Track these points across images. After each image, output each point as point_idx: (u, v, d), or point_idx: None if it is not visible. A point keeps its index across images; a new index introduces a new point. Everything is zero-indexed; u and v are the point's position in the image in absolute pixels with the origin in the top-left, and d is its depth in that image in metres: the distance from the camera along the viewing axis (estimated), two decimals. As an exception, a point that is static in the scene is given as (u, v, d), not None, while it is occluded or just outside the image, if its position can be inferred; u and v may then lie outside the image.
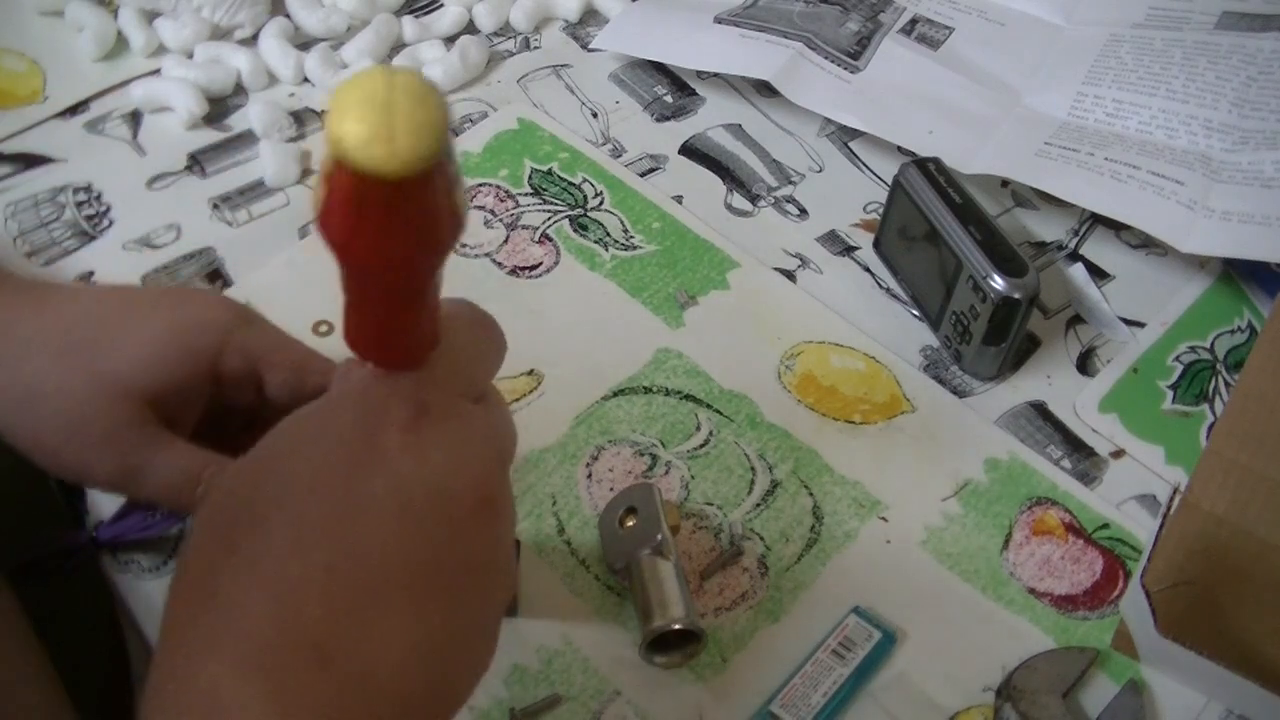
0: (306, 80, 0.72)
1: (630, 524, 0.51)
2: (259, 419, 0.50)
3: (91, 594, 0.54)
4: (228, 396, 0.48)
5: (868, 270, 0.65)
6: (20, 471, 0.58)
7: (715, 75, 0.75)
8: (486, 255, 0.64)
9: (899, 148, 0.69)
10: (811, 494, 0.55)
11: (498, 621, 0.37)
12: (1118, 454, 0.58)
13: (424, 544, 0.33)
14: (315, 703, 0.30)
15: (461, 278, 0.63)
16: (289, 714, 0.30)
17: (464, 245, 0.64)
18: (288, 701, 0.30)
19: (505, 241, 0.65)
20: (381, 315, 0.33)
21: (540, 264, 0.64)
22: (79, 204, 0.65)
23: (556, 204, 0.67)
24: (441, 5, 0.77)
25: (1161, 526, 0.48)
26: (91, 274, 0.62)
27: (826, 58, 0.72)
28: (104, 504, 0.52)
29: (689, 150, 0.71)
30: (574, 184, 0.68)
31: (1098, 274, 0.66)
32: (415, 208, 0.28)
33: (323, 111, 0.71)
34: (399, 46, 0.75)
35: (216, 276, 0.62)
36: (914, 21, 0.76)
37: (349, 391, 0.35)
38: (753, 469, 0.56)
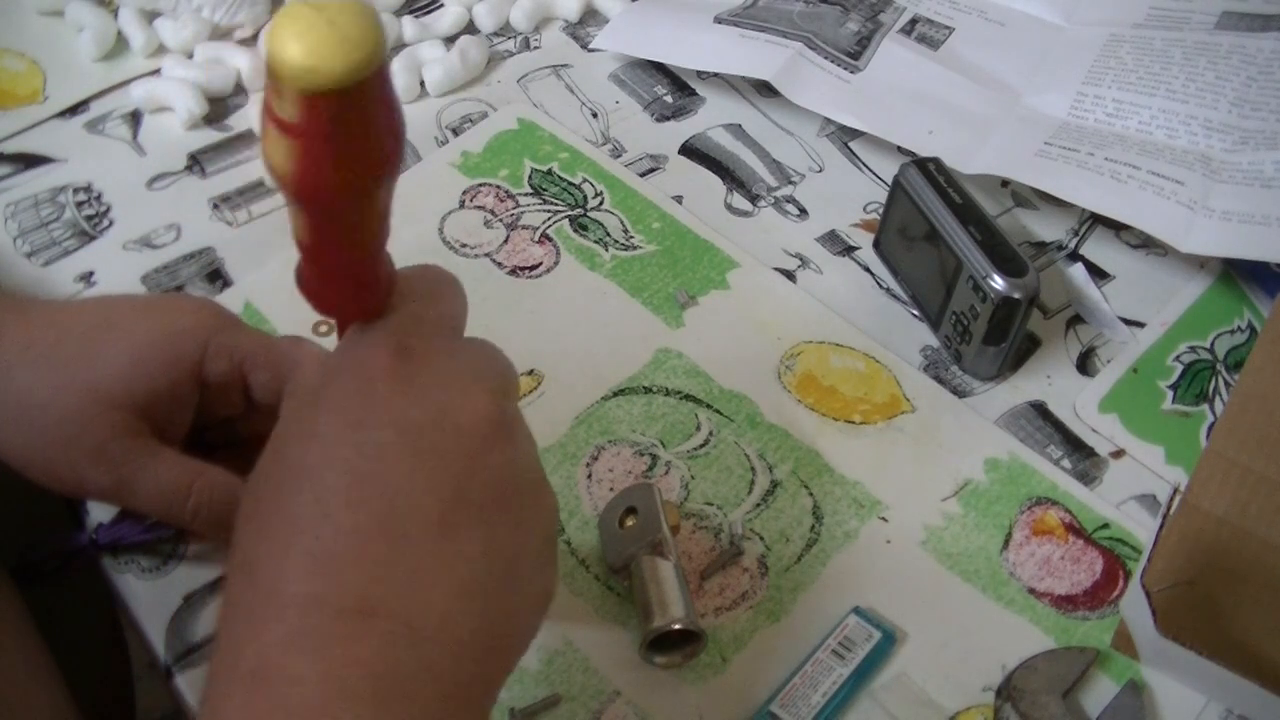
0: (306, 80, 0.72)
1: (630, 524, 0.51)
2: (250, 428, 0.50)
3: (92, 594, 0.54)
4: (215, 403, 0.48)
5: (868, 270, 0.65)
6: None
7: (715, 75, 0.75)
8: (486, 255, 0.64)
9: (899, 148, 0.69)
10: (811, 494, 0.55)
11: (548, 550, 0.36)
12: (1118, 454, 0.58)
13: (444, 480, 0.33)
14: (365, 660, 0.31)
15: (462, 278, 0.62)
16: (340, 676, 0.30)
17: (464, 245, 0.64)
18: (337, 664, 0.30)
19: (505, 241, 0.65)
20: (336, 254, 0.33)
21: (540, 264, 0.64)
22: (79, 204, 0.65)
23: (556, 204, 0.67)
24: (441, 5, 0.77)
25: (1161, 526, 0.48)
26: (91, 274, 0.62)
27: (826, 58, 0.72)
28: (103, 506, 0.52)
29: (689, 150, 0.71)
30: (574, 184, 0.68)
31: (1098, 274, 0.66)
32: (362, 117, 0.29)
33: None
34: (399, 46, 0.75)
35: (217, 276, 0.62)
36: (914, 21, 0.76)
37: (332, 362, 0.35)
38: (753, 469, 0.56)
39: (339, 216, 0.32)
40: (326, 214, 0.32)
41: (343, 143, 0.29)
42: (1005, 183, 0.70)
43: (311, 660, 0.30)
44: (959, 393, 0.60)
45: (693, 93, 0.74)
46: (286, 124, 0.28)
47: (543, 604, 0.36)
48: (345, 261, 0.34)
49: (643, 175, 0.69)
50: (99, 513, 0.52)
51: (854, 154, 0.71)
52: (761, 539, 0.53)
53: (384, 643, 0.31)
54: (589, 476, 0.55)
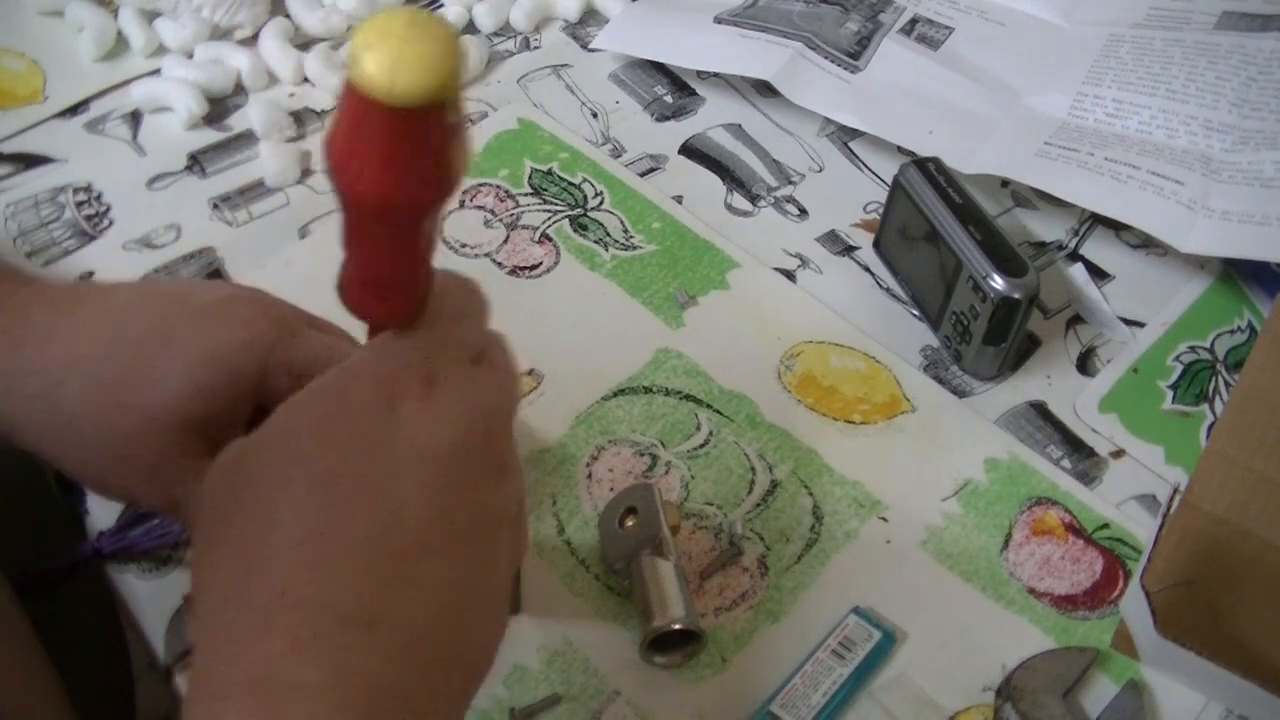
0: (306, 80, 0.72)
1: (630, 524, 0.51)
2: None
3: (92, 594, 0.54)
4: (271, 408, 0.47)
5: (868, 270, 0.65)
6: (21, 482, 0.58)
7: (715, 75, 0.75)
8: (486, 255, 0.64)
9: (899, 148, 0.69)
10: (811, 494, 0.55)
11: (509, 580, 0.38)
12: (1118, 454, 0.58)
13: (450, 506, 0.34)
14: (369, 669, 0.31)
15: (461, 278, 0.63)
16: (345, 684, 0.31)
17: (464, 245, 0.64)
18: (343, 672, 0.31)
19: (505, 241, 0.65)
20: (388, 268, 0.33)
21: (540, 264, 0.64)
22: (79, 204, 0.65)
23: (556, 204, 0.67)
24: (441, 5, 0.77)
25: (1161, 526, 0.48)
26: (91, 274, 0.62)
27: (826, 58, 0.72)
28: (103, 509, 0.52)
29: (689, 150, 0.71)
30: (574, 184, 0.68)
31: (1098, 274, 0.66)
32: (411, 142, 0.29)
33: (323, 111, 0.71)
34: (399, 46, 0.75)
35: (216, 276, 0.62)
36: (914, 21, 0.76)
37: (360, 369, 0.35)
38: (753, 469, 0.56)
39: (401, 232, 0.32)
40: (391, 228, 0.32)
41: (393, 155, 0.29)
42: (1005, 183, 0.70)
43: (321, 673, 0.31)
44: (959, 393, 0.60)
45: (693, 93, 0.74)
46: (346, 116, 0.29)
47: (502, 633, 0.38)
48: (395, 274, 0.34)
49: (643, 175, 0.69)
50: (101, 519, 0.52)
51: (854, 154, 0.71)
52: (761, 539, 0.53)
53: (387, 655, 0.32)
54: (589, 476, 0.55)
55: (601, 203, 0.67)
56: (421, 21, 0.28)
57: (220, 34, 0.73)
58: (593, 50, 0.76)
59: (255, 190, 0.66)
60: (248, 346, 0.44)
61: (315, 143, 0.69)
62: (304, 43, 0.74)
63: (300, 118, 0.70)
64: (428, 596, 0.33)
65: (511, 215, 0.66)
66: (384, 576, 0.32)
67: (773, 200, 0.68)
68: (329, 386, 0.35)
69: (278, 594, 0.31)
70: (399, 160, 0.29)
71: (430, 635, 0.33)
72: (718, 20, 0.75)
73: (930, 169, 0.61)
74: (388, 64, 0.27)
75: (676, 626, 0.47)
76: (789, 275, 0.64)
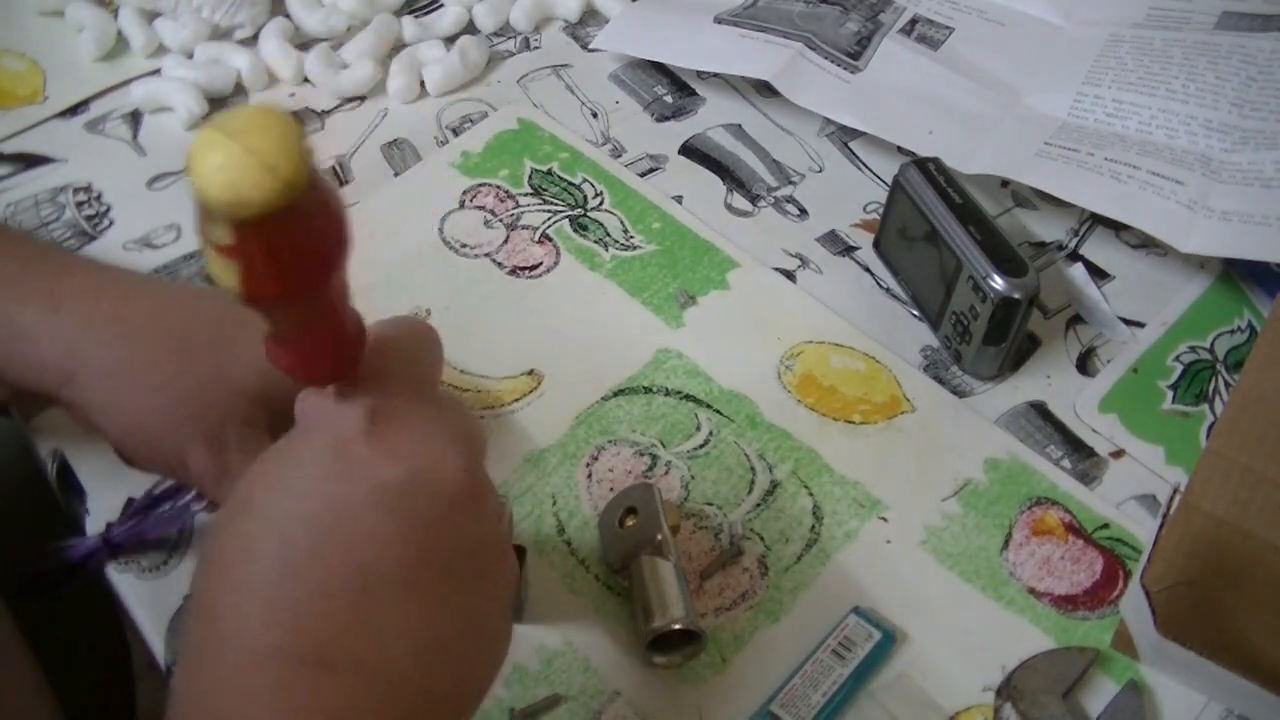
0: (306, 80, 0.72)
1: (630, 524, 0.51)
2: None
3: (92, 595, 0.54)
4: None
5: (868, 270, 0.65)
6: (20, 484, 0.58)
7: (715, 75, 0.75)
8: (486, 255, 0.64)
9: (899, 148, 0.69)
10: (811, 494, 0.55)
11: (505, 613, 0.37)
12: (1118, 454, 0.58)
13: (411, 541, 0.33)
14: (323, 711, 0.31)
15: (461, 278, 0.63)
16: None
17: (464, 245, 0.64)
18: (295, 714, 0.31)
19: (505, 241, 0.65)
20: (300, 339, 0.33)
21: (540, 264, 0.64)
22: (79, 204, 0.65)
23: (556, 204, 0.67)
24: (441, 5, 0.77)
25: (1161, 526, 0.48)
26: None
27: (826, 58, 0.72)
28: (103, 509, 0.52)
29: (689, 150, 0.71)
30: (574, 184, 0.68)
31: (1098, 274, 0.66)
32: (299, 230, 0.29)
33: (324, 111, 0.71)
34: (399, 46, 0.75)
35: (216, 276, 0.62)
36: (914, 21, 0.76)
37: (308, 420, 0.35)
38: (753, 469, 0.56)
39: (295, 307, 0.31)
40: (281, 309, 0.31)
41: (282, 257, 0.29)
42: (1005, 183, 0.70)
43: (269, 709, 0.31)
44: (959, 393, 0.60)
45: (693, 93, 0.74)
46: (222, 247, 0.28)
47: (497, 666, 0.37)
48: (310, 342, 0.34)
49: (643, 175, 0.69)
50: (101, 519, 0.52)
51: (854, 154, 0.71)
52: (761, 539, 0.53)
53: (346, 697, 0.32)
54: (589, 476, 0.55)
55: (601, 203, 0.67)
56: (251, 121, 0.27)
57: (220, 34, 0.73)
58: (593, 50, 0.76)
59: (255, 190, 0.66)
60: None
61: (315, 142, 0.69)
62: (304, 43, 0.74)
63: (300, 118, 0.70)
64: (392, 637, 0.32)
65: (511, 215, 0.66)
66: (339, 620, 0.32)
67: (773, 200, 0.68)
68: (281, 446, 0.35)
69: (230, 640, 0.32)
70: (272, 262, 0.29)
71: (399, 677, 0.32)
72: (718, 20, 0.75)
73: (930, 169, 0.61)
74: (225, 181, 0.26)
75: (676, 626, 0.47)
76: (789, 275, 0.64)
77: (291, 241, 0.29)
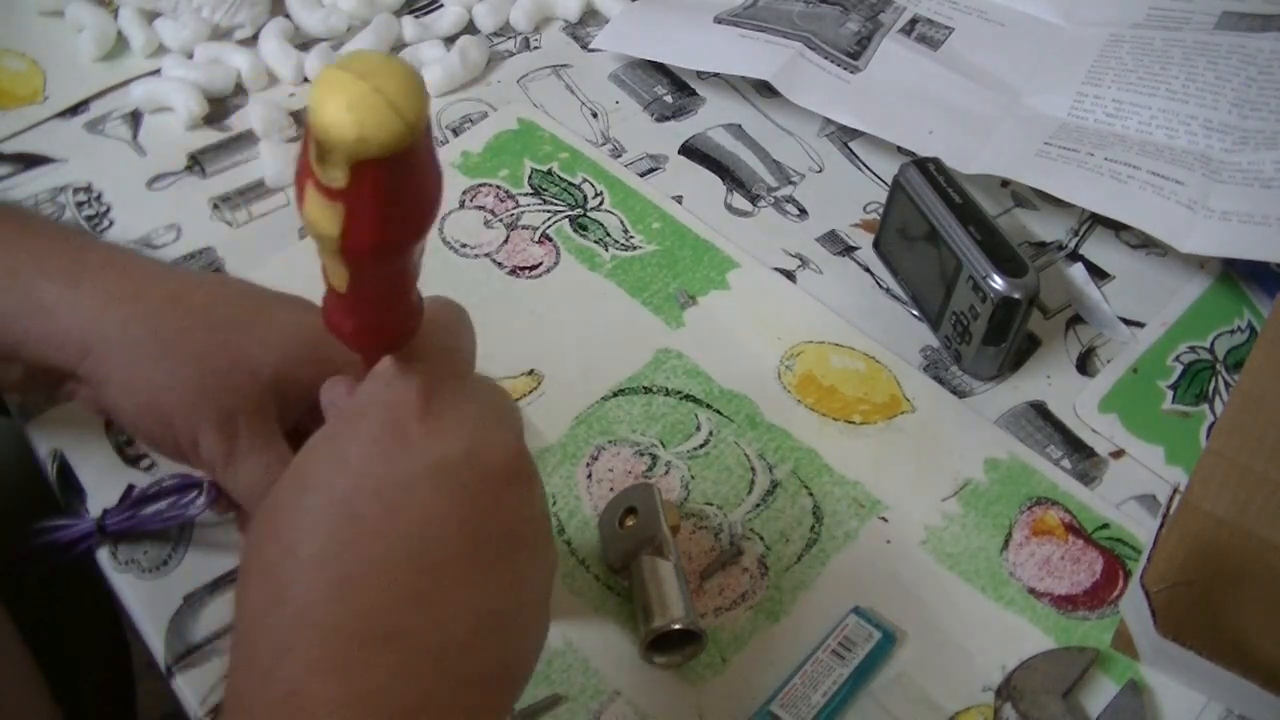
0: (306, 80, 0.72)
1: (630, 524, 0.51)
2: None
3: (92, 594, 0.54)
4: None
5: (868, 270, 0.65)
6: (19, 480, 0.58)
7: (715, 75, 0.75)
8: (486, 255, 0.64)
9: (899, 148, 0.69)
10: (811, 494, 0.55)
11: (548, 590, 0.38)
12: (1118, 454, 0.58)
13: (470, 517, 0.34)
14: (390, 685, 0.32)
15: (462, 278, 0.63)
16: (366, 700, 0.31)
17: (464, 245, 0.64)
18: (363, 689, 0.31)
19: (505, 241, 0.65)
20: (373, 303, 0.33)
21: (540, 264, 0.64)
22: (79, 204, 0.65)
23: (556, 204, 0.67)
24: (441, 5, 0.77)
25: (1161, 526, 0.48)
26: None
27: (826, 58, 0.72)
28: (103, 507, 0.52)
29: (689, 150, 0.71)
30: (574, 184, 0.68)
31: (1098, 274, 0.66)
32: (409, 181, 0.29)
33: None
34: (399, 46, 0.75)
35: (216, 276, 0.62)
36: (914, 21, 0.76)
37: (367, 401, 0.35)
38: (752, 469, 0.56)
39: (380, 272, 0.32)
40: (369, 270, 0.32)
41: (390, 206, 0.29)
42: (1005, 183, 0.70)
43: (342, 689, 0.31)
44: (959, 393, 0.60)
45: (693, 93, 0.74)
46: (333, 190, 0.28)
47: (542, 642, 0.38)
48: (380, 309, 0.34)
49: (643, 175, 0.69)
50: (100, 499, 0.52)
51: (854, 154, 0.71)
52: (761, 539, 0.53)
53: (409, 671, 0.32)
54: (589, 476, 0.55)
55: (601, 203, 0.67)
56: (376, 64, 0.27)
57: (220, 34, 0.73)
58: (593, 50, 0.76)
59: (255, 190, 0.66)
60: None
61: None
62: (304, 43, 0.74)
63: (300, 118, 0.70)
64: (453, 611, 0.33)
65: (511, 215, 0.66)
66: (402, 593, 0.33)
67: (773, 200, 0.68)
68: (341, 421, 0.35)
69: (297, 616, 0.32)
70: (416, 194, 0.29)
71: (457, 650, 0.33)
72: (718, 20, 0.75)
73: (930, 169, 0.61)
74: (355, 119, 0.27)
75: (676, 626, 0.47)
76: (789, 275, 0.64)
77: (403, 187, 0.29)
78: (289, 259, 0.62)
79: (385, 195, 0.29)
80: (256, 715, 0.32)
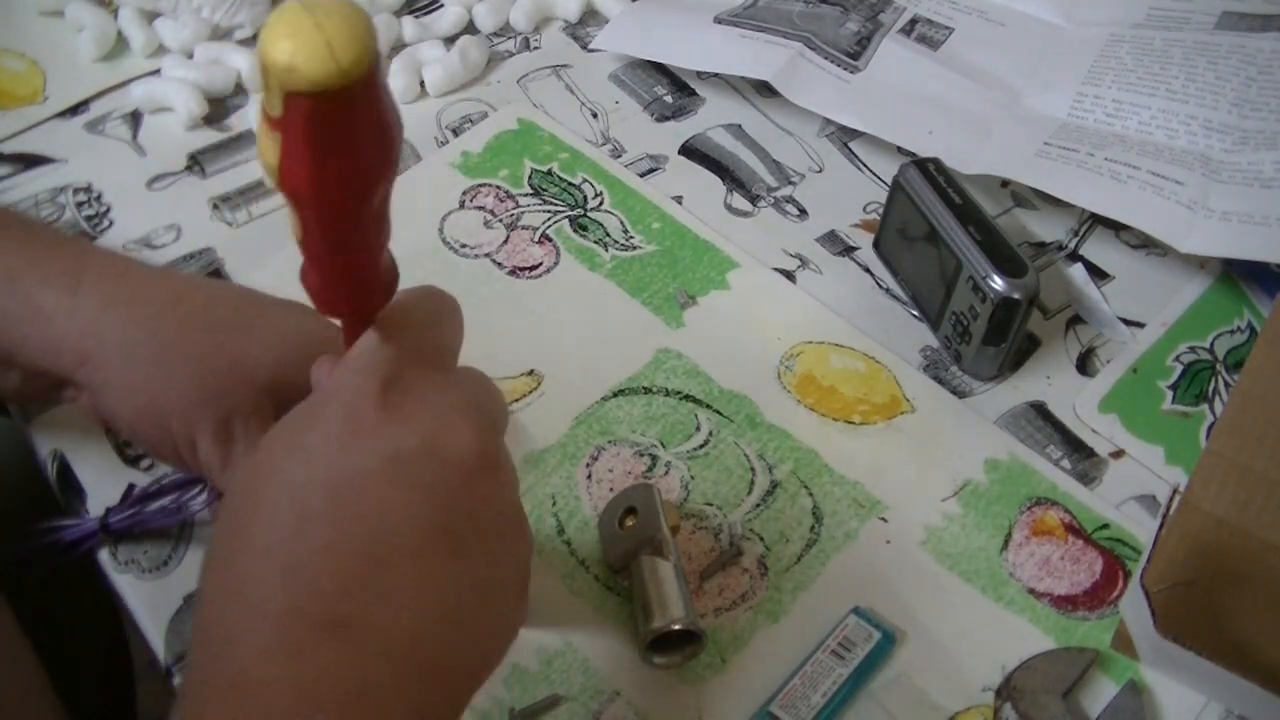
0: (306, 80, 0.72)
1: (630, 524, 0.51)
2: None
3: (92, 594, 0.54)
4: None
5: (868, 270, 0.65)
6: (19, 480, 0.58)
7: (715, 75, 0.75)
8: (486, 255, 0.64)
9: (899, 148, 0.69)
10: (811, 494, 0.55)
11: (521, 583, 0.37)
12: (1117, 454, 0.58)
13: (423, 510, 0.34)
14: (338, 671, 0.32)
15: (462, 277, 0.63)
16: (314, 686, 0.31)
17: (464, 245, 0.64)
18: (311, 674, 0.31)
19: (505, 241, 0.65)
20: (330, 254, 0.34)
21: (540, 264, 0.64)
22: (79, 204, 0.65)
23: (556, 204, 0.67)
24: (441, 5, 0.77)
25: (1161, 526, 0.48)
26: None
27: (826, 58, 0.72)
28: (103, 507, 0.52)
29: (689, 150, 0.71)
30: (574, 184, 0.68)
31: (1098, 274, 0.66)
32: (344, 120, 0.29)
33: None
34: (399, 46, 0.75)
35: (216, 277, 0.62)
36: (914, 21, 0.76)
37: (328, 387, 0.36)
38: (752, 469, 0.56)
39: (327, 216, 0.32)
40: (314, 212, 0.32)
41: (324, 143, 0.29)
42: (1005, 183, 0.70)
43: (289, 674, 0.31)
44: (959, 393, 0.60)
45: (693, 93, 0.74)
46: (272, 119, 0.29)
47: (511, 635, 0.37)
48: (341, 262, 0.34)
49: (643, 175, 0.69)
50: (100, 499, 0.52)
51: (854, 154, 0.71)
52: (761, 539, 0.53)
53: (356, 656, 0.32)
54: (589, 476, 0.55)
55: (601, 203, 0.67)
56: (321, 5, 0.28)
57: (220, 34, 0.73)
58: (593, 50, 0.76)
59: (255, 190, 0.66)
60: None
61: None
62: (304, 43, 0.74)
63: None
64: (404, 601, 0.33)
65: (511, 215, 0.66)
66: (350, 583, 0.33)
67: (773, 200, 0.68)
68: (297, 413, 0.35)
69: (248, 602, 0.32)
70: (360, 136, 0.30)
71: (407, 640, 0.33)
72: (718, 20, 0.75)
73: (930, 169, 0.61)
74: (322, 49, 0.27)
75: (676, 626, 0.47)
76: (789, 275, 0.64)
77: (338, 131, 0.29)
78: (289, 259, 0.62)
79: (317, 132, 0.29)
80: (207, 699, 0.32)
